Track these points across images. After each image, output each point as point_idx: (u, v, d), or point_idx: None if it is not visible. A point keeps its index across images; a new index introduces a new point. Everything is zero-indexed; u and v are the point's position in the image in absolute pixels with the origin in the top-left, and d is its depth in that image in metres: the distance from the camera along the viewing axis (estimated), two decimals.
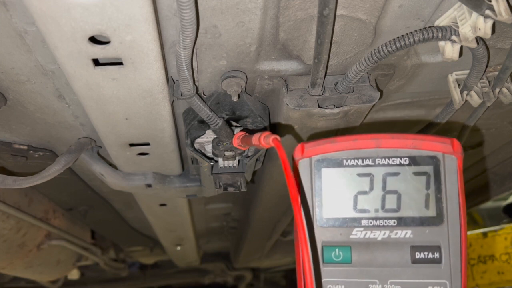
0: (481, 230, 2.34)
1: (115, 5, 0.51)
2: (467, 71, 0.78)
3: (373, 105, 0.77)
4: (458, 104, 0.84)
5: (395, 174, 0.59)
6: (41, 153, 1.02)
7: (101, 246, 2.36)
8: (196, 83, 0.76)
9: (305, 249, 0.49)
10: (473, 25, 0.61)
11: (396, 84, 0.88)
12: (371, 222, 0.59)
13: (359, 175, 0.59)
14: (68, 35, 0.54)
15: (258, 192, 1.44)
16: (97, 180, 1.27)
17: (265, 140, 0.59)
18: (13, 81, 0.75)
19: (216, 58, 0.72)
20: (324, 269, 0.58)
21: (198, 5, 0.60)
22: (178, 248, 2.24)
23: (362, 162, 0.59)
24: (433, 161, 0.58)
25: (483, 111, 0.92)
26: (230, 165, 0.90)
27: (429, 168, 0.58)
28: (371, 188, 0.59)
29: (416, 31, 0.64)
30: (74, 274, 2.46)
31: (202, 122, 0.85)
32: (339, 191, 0.60)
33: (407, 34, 0.64)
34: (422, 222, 0.58)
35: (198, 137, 0.86)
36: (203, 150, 0.91)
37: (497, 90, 0.83)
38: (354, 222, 0.59)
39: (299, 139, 0.91)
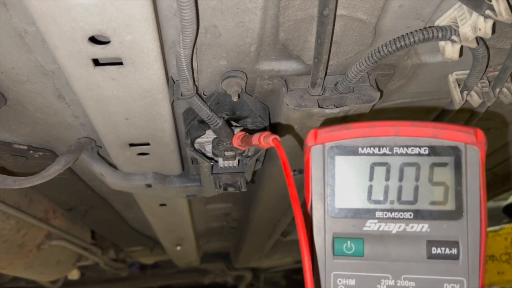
0: None
1: (115, 5, 0.51)
2: (467, 71, 0.78)
3: (373, 105, 0.77)
4: (458, 104, 0.84)
5: (413, 164, 0.55)
6: (41, 153, 1.02)
7: (101, 246, 2.36)
8: (196, 83, 0.76)
9: (305, 251, 0.49)
10: (473, 25, 0.61)
11: (396, 84, 0.88)
12: (385, 214, 0.55)
13: (375, 164, 0.56)
14: (68, 35, 0.54)
15: (258, 192, 1.44)
16: (97, 180, 1.27)
17: (265, 140, 0.59)
18: (13, 81, 0.75)
19: (216, 58, 0.72)
20: (334, 261, 0.55)
21: (198, 5, 0.60)
22: (178, 248, 2.25)
23: (379, 150, 0.55)
24: (454, 151, 0.55)
25: (483, 111, 0.92)
26: (230, 165, 0.90)
27: (449, 159, 0.55)
28: (387, 178, 0.56)
29: (416, 31, 0.64)
30: (74, 274, 2.46)
31: (202, 122, 0.85)
32: (353, 181, 0.56)
33: (407, 34, 0.64)
34: (440, 215, 0.55)
35: (198, 137, 0.86)
36: (203, 150, 0.91)
37: (497, 90, 0.83)
38: (368, 214, 0.56)
39: (299, 139, 0.91)
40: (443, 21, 0.66)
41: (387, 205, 0.56)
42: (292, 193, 0.51)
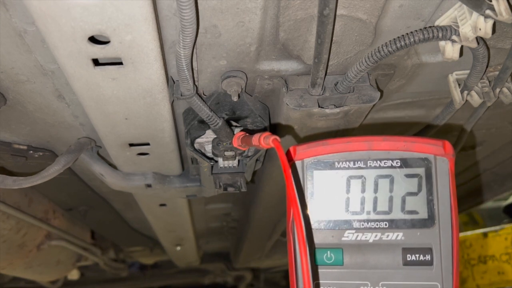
0: (482, 230, 2.33)
1: (115, 5, 0.50)
2: (468, 71, 0.78)
3: (374, 105, 0.77)
4: (458, 104, 0.84)
5: (387, 176, 0.59)
6: (40, 153, 1.02)
7: (101, 246, 2.36)
8: (196, 83, 0.76)
9: (303, 250, 0.49)
10: (473, 25, 0.61)
11: (397, 84, 0.88)
12: (362, 224, 0.59)
13: (351, 177, 0.59)
14: (67, 35, 0.54)
15: (258, 192, 1.43)
16: (97, 180, 1.27)
17: (264, 140, 0.59)
18: (13, 81, 0.75)
19: (216, 58, 0.72)
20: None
21: (198, 5, 0.60)
22: (178, 248, 2.24)
23: (354, 164, 0.59)
24: (425, 163, 0.58)
25: (484, 111, 0.92)
26: (230, 165, 0.90)
27: (420, 170, 0.58)
28: (363, 190, 0.59)
29: (416, 31, 0.64)
30: (74, 274, 2.46)
31: (202, 122, 0.85)
32: (331, 194, 0.60)
33: (407, 34, 0.64)
34: (413, 224, 0.58)
35: (198, 137, 0.86)
36: (203, 150, 0.91)
37: (498, 90, 0.83)
38: (346, 224, 0.59)
39: (299, 140, 0.91)
40: (443, 21, 0.66)
41: (363, 216, 0.59)
42: (291, 195, 0.51)
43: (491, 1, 0.57)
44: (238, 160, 0.90)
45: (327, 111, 0.76)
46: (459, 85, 0.84)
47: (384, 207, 0.59)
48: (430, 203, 0.58)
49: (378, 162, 0.59)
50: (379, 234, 0.58)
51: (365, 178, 0.59)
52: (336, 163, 0.59)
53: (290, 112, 0.77)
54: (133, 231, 2.25)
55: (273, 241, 2.29)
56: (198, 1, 0.59)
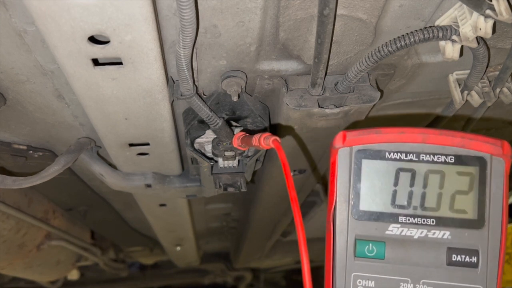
0: None
1: (114, 5, 0.50)
2: (468, 71, 0.78)
3: (374, 105, 0.77)
4: (458, 104, 0.84)
5: (438, 172, 0.57)
6: (40, 153, 1.02)
7: (101, 246, 2.36)
8: (196, 83, 0.76)
9: (304, 252, 0.49)
10: (473, 25, 0.61)
11: (397, 84, 0.88)
12: (408, 219, 0.57)
13: (401, 169, 0.57)
14: (67, 35, 0.54)
15: (258, 192, 1.43)
16: (96, 180, 1.27)
17: (265, 141, 0.59)
18: (13, 81, 0.75)
19: (216, 57, 0.72)
20: (355, 262, 0.57)
21: (198, 5, 0.60)
22: (178, 248, 2.24)
23: (406, 156, 0.57)
24: (480, 162, 0.56)
25: (484, 111, 0.92)
26: (230, 165, 0.90)
27: (474, 169, 0.56)
28: (412, 184, 0.57)
29: (416, 30, 0.64)
30: (74, 274, 2.46)
31: (202, 122, 0.85)
32: (378, 185, 0.57)
33: (407, 33, 0.64)
34: (461, 224, 0.56)
35: (198, 137, 0.86)
36: (203, 150, 0.90)
37: (498, 90, 0.83)
38: (391, 218, 0.57)
39: (299, 140, 0.91)
40: (443, 21, 0.66)
41: (410, 211, 0.57)
42: (291, 195, 0.51)
43: (491, 1, 0.57)
44: (238, 160, 0.90)
45: (327, 111, 0.76)
46: (459, 85, 0.83)
47: (432, 204, 0.57)
48: (481, 204, 0.56)
49: (431, 156, 0.56)
50: (425, 231, 0.56)
51: (415, 171, 0.57)
52: (387, 154, 0.57)
53: (290, 112, 0.77)
54: (133, 231, 2.25)
55: (273, 241, 2.29)
56: (198, 1, 0.59)
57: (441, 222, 0.56)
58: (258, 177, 1.33)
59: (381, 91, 0.81)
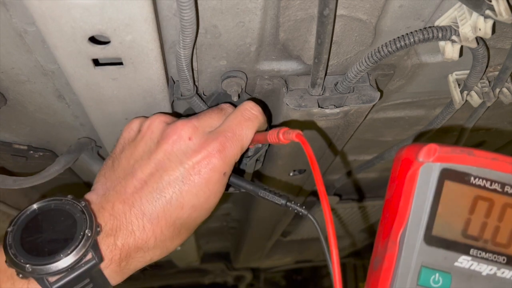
0: None
1: (115, 5, 0.51)
2: (467, 71, 0.78)
3: (373, 105, 0.77)
4: (458, 104, 0.84)
5: None
6: (41, 153, 1.02)
7: None
8: (196, 83, 0.76)
9: (335, 251, 0.46)
10: (473, 25, 0.61)
11: (396, 84, 0.88)
12: (479, 253, 0.52)
13: (479, 197, 0.52)
14: (68, 35, 0.54)
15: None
16: None
17: (285, 136, 0.56)
18: (13, 81, 0.75)
19: (216, 58, 0.72)
20: None
21: (198, 5, 0.60)
22: (178, 248, 2.24)
23: (490, 185, 0.51)
24: None
25: (483, 111, 0.92)
26: None
27: None
28: (487, 216, 0.52)
29: (416, 31, 0.64)
30: None
31: None
32: (455, 211, 0.52)
33: (407, 34, 0.64)
34: None
35: None
36: None
37: (497, 90, 0.83)
38: (462, 249, 0.52)
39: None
40: (443, 21, 0.66)
41: (480, 243, 0.53)
42: (320, 189, 0.48)
43: (491, 1, 0.58)
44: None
45: (327, 111, 0.76)
46: (459, 85, 0.84)
47: (504, 239, 0.52)
48: None
49: None
50: (494, 268, 0.52)
51: (494, 202, 0.52)
52: (472, 178, 0.51)
53: (290, 112, 0.77)
54: None
55: (273, 241, 2.29)
56: (198, 2, 0.59)
57: None
58: (258, 177, 1.33)
59: (381, 91, 0.82)
